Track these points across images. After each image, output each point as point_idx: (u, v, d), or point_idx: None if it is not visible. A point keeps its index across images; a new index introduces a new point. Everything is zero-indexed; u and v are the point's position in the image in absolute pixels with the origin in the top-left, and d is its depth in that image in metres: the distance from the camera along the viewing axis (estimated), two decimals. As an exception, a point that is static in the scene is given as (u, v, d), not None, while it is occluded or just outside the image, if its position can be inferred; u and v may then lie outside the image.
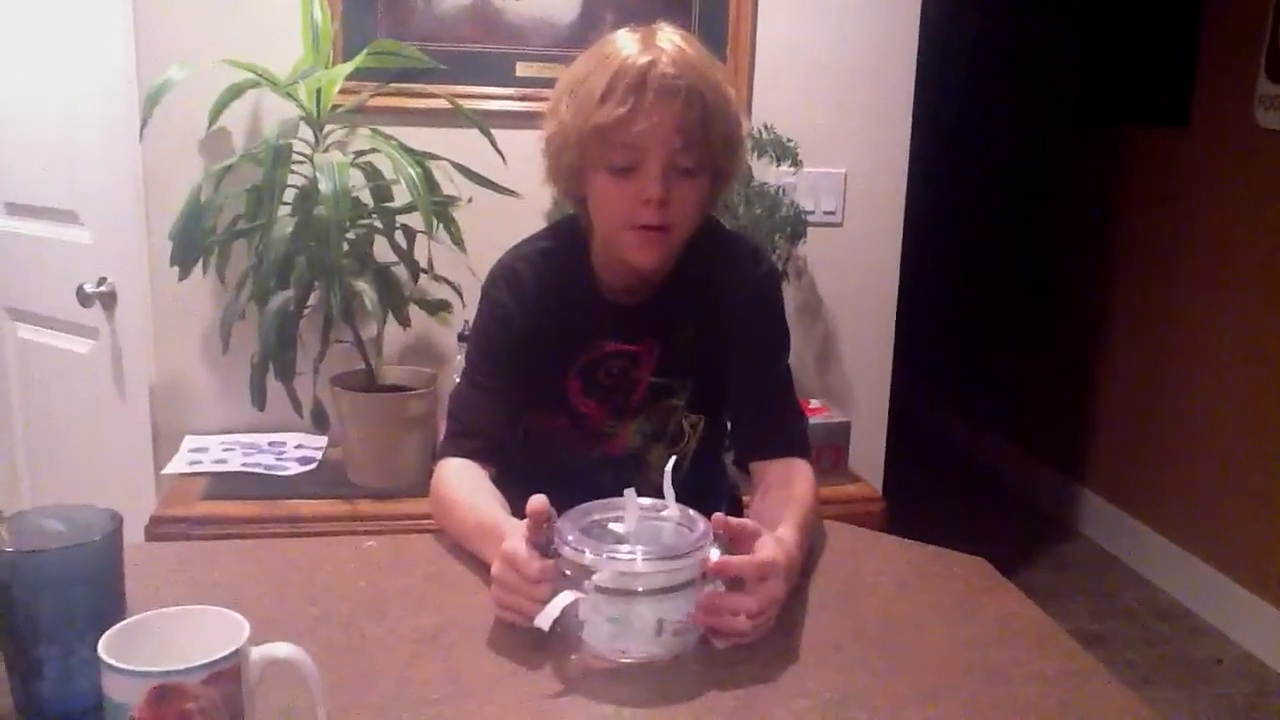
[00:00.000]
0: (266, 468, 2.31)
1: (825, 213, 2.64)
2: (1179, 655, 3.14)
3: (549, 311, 1.46)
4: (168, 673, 0.76)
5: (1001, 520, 4.05)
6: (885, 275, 2.72)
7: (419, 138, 2.25)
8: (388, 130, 2.20)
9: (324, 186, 1.96)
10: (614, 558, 1.05)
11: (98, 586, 0.93)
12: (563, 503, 1.39)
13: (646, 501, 1.16)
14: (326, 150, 2.18)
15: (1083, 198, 3.99)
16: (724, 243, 1.54)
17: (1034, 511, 4.16)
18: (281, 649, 0.82)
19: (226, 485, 2.23)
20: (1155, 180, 3.59)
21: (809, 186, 2.59)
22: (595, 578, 1.04)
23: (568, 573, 1.06)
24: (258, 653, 0.81)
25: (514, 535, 1.12)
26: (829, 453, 2.44)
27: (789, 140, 2.45)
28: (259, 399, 2.13)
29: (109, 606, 0.92)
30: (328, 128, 2.21)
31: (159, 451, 2.44)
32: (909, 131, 2.66)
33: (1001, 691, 1.06)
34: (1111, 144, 3.79)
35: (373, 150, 2.16)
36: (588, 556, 1.05)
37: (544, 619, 1.04)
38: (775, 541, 1.16)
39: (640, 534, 1.13)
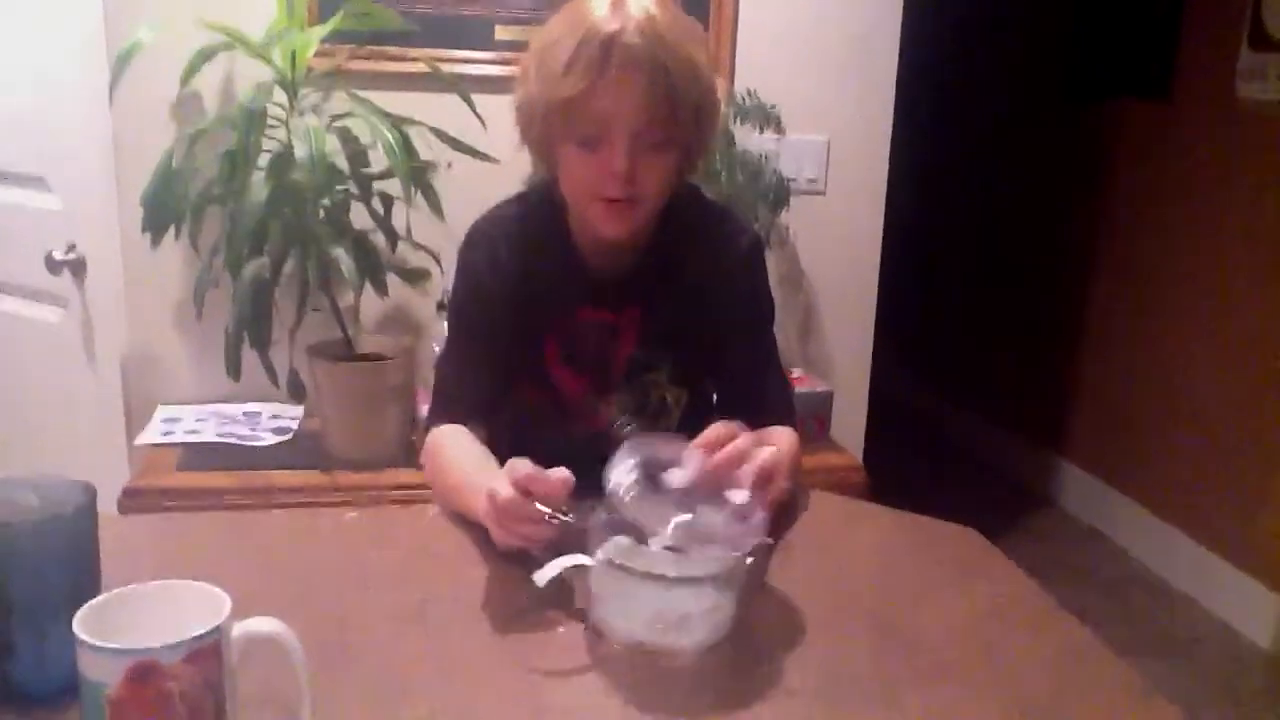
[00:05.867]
0: (241, 438, 2.27)
1: (808, 180, 2.61)
2: (1158, 628, 3.16)
3: (524, 276, 1.44)
4: (146, 650, 0.72)
5: (981, 492, 4.05)
6: (868, 244, 2.70)
7: (397, 102, 2.21)
8: (365, 94, 2.16)
9: (299, 152, 1.93)
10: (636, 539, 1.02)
11: (71, 562, 0.90)
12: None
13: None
14: (302, 114, 2.13)
15: (1065, 172, 3.97)
16: (707, 213, 1.51)
17: (1013, 483, 4.17)
18: (265, 624, 0.79)
19: (201, 456, 2.20)
20: (1137, 154, 3.58)
21: (792, 154, 2.56)
22: (606, 549, 1.01)
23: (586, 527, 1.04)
24: (240, 629, 0.78)
25: (520, 463, 1.10)
26: (812, 423, 2.43)
27: (771, 106, 2.42)
28: (234, 369, 2.09)
29: (83, 582, 0.89)
30: (303, 91, 2.16)
31: (131, 422, 2.40)
32: (893, 99, 2.63)
33: (999, 669, 1.04)
34: (1094, 118, 3.77)
35: (349, 114, 2.12)
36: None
37: (541, 576, 1.02)
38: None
39: (694, 504, 1.07)
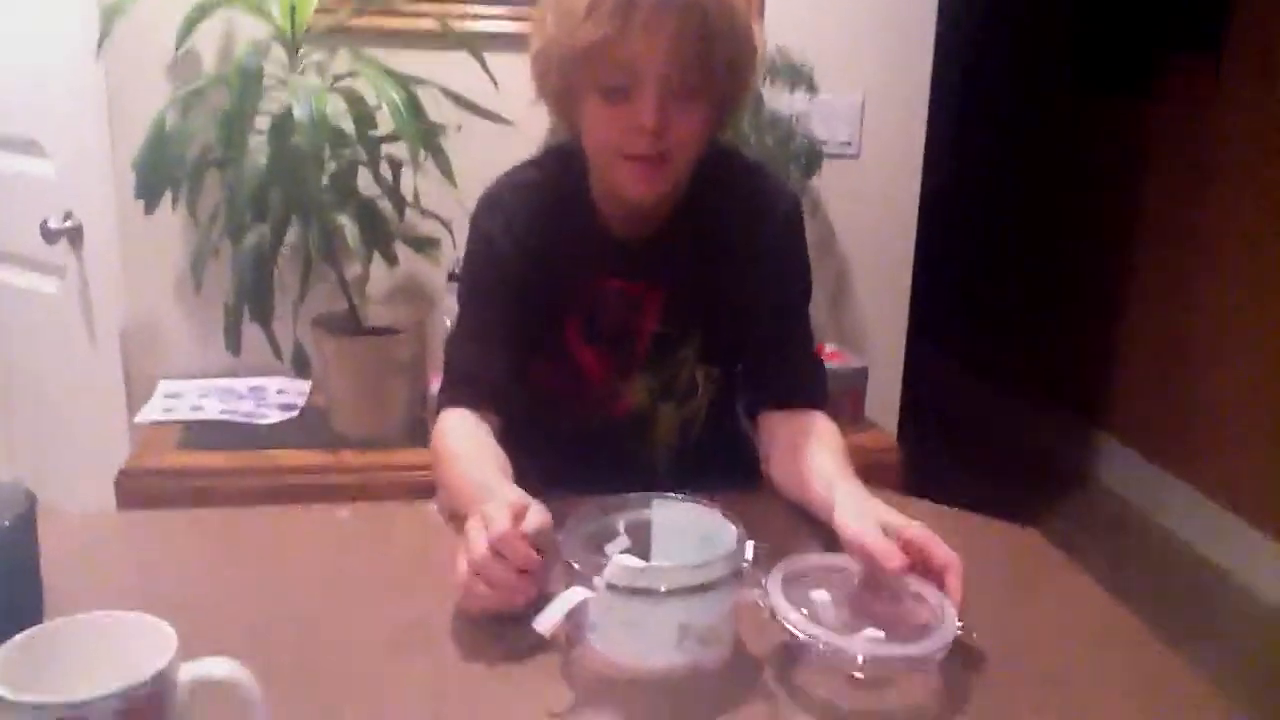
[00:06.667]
0: (245, 415, 2.17)
1: (840, 143, 2.47)
2: (1204, 609, 3.04)
3: (543, 244, 1.31)
4: (73, 704, 0.61)
5: (1021, 469, 3.91)
6: (904, 210, 2.56)
7: (404, 61, 2.07)
8: (370, 52, 2.03)
9: (298, 113, 1.80)
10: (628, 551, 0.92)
11: (11, 575, 0.79)
12: (564, 470, 1.24)
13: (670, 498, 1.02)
14: (303, 74, 2.01)
15: (1107, 148, 3.81)
16: (741, 174, 1.38)
17: (1055, 460, 4.01)
18: (218, 667, 0.67)
19: (203, 435, 2.10)
20: (1184, 134, 3.42)
21: (823, 115, 2.41)
22: (607, 574, 0.88)
23: (576, 566, 0.90)
24: (188, 671, 0.66)
25: (498, 505, 0.96)
26: (846, 400, 2.29)
27: (802, 64, 2.27)
28: (234, 343, 1.98)
29: (22, 602, 0.78)
30: (304, 49, 2.04)
31: (132, 397, 2.30)
32: (931, 53, 2.47)
33: (1071, 688, 0.93)
34: (1135, 97, 3.61)
35: (353, 74, 1.99)
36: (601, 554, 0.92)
37: (544, 623, 0.88)
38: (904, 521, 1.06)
39: (664, 528, 1.00)
